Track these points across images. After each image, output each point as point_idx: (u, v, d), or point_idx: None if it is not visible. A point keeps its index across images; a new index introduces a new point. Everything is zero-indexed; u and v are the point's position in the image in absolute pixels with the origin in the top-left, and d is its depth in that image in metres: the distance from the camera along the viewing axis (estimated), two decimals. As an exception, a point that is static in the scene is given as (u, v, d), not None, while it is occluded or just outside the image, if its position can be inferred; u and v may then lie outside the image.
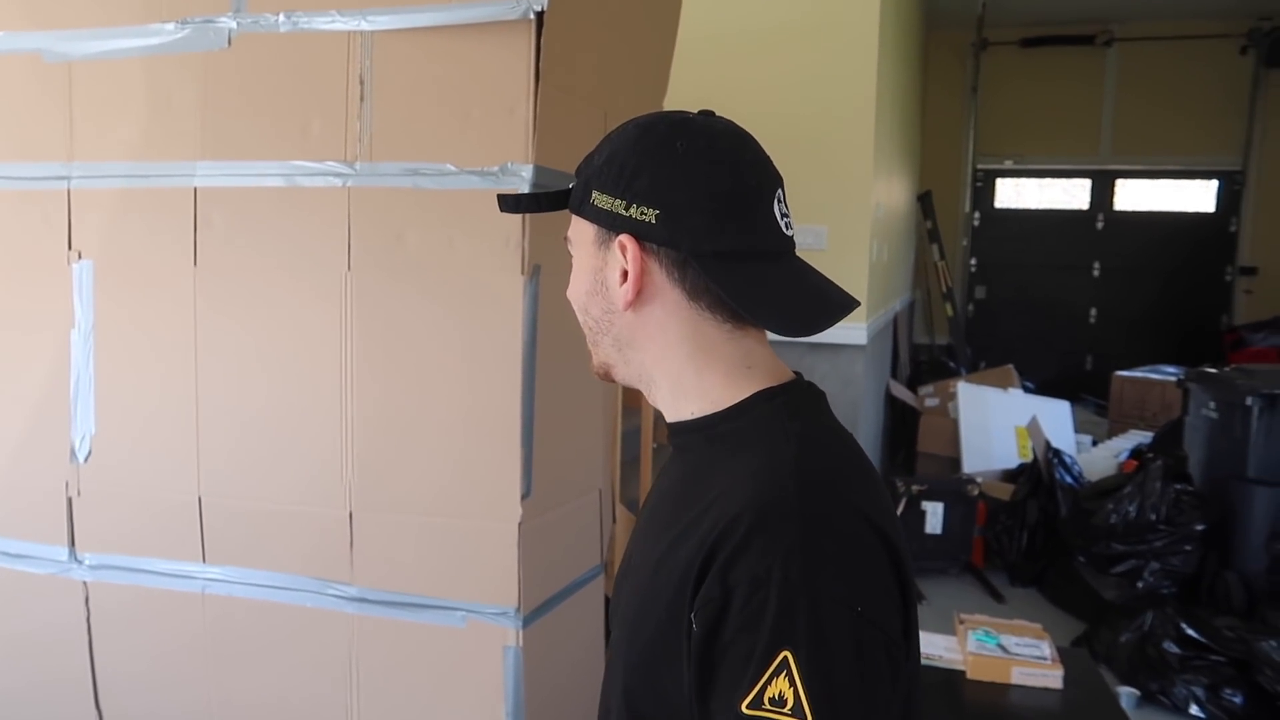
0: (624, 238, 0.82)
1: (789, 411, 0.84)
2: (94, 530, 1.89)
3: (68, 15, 1.86)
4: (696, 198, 0.81)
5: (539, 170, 1.63)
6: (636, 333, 0.86)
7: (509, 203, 0.93)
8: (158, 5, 1.79)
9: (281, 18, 1.72)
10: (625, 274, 0.83)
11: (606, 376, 0.92)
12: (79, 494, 1.89)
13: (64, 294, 1.88)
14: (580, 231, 0.87)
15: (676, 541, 0.80)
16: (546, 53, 1.60)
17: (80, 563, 1.90)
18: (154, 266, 1.83)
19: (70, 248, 1.88)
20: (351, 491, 1.72)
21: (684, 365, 0.85)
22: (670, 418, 0.90)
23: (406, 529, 1.71)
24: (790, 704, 0.67)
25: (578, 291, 0.89)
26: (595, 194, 0.83)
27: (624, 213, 0.82)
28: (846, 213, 3.64)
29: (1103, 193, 7.98)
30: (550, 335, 1.68)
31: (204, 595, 1.82)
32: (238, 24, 1.74)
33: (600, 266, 0.85)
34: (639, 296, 0.83)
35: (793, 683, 0.68)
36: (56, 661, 1.94)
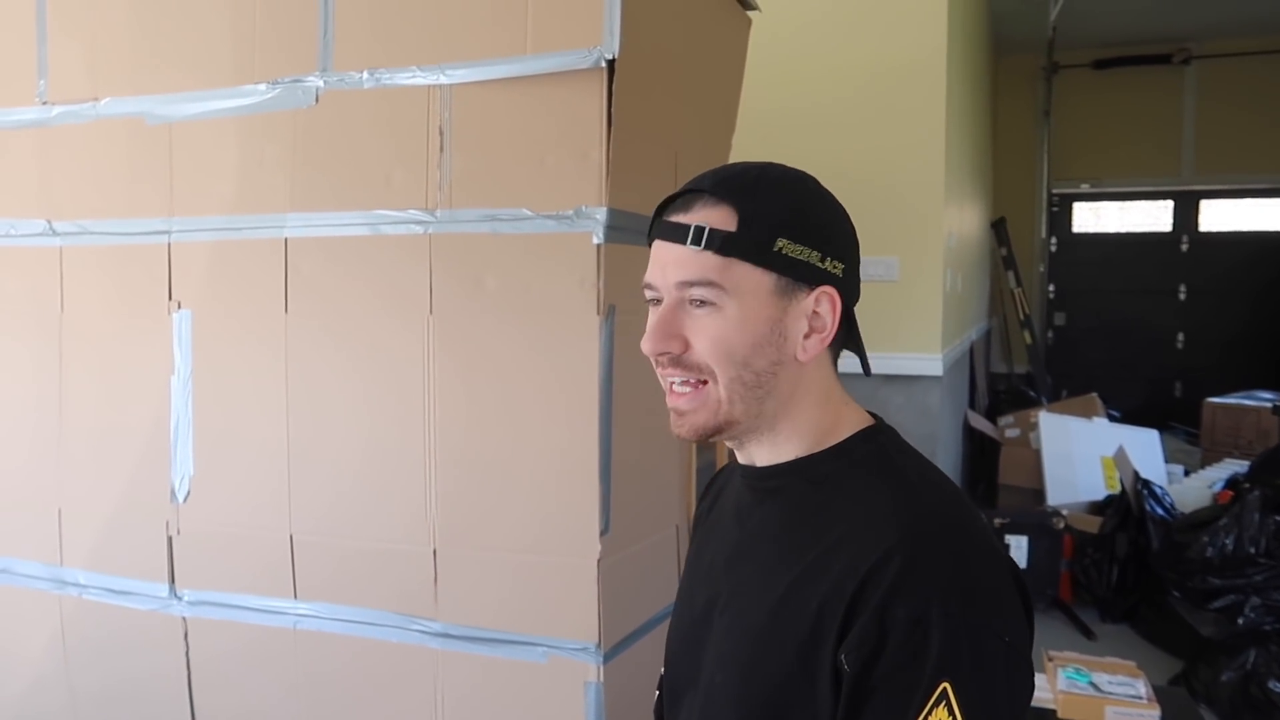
0: (828, 289, 0.83)
1: (895, 450, 0.86)
2: (192, 568, 1.97)
3: (167, 80, 1.97)
4: (857, 253, 0.88)
5: (613, 213, 1.67)
6: (795, 384, 0.85)
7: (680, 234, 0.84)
8: (250, 68, 1.89)
9: (365, 75, 1.80)
10: (812, 325, 0.84)
11: (713, 436, 0.86)
12: (179, 533, 1.97)
13: (165, 342, 1.98)
14: (747, 279, 0.82)
15: (799, 585, 0.80)
16: (618, 99, 1.64)
17: (180, 599, 1.98)
18: (248, 314, 1.92)
19: (170, 298, 1.98)
20: (435, 529, 1.76)
21: (809, 412, 0.86)
22: (763, 461, 0.89)
23: (489, 566, 1.74)
24: None
25: (740, 343, 0.82)
26: (784, 243, 0.81)
27: (820, 265, 0.83)
28: (918, 243, 3.62)
29: (1186, 214, 7.76)
30: (626, 374, 1.71)
31: (295, 631, 1.88)
32: (324, 82, 1.83)
33: (779, 317, 0.82)
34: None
35: (951, 712, 0.71)
36: (157, 691, 2.02)
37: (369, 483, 1.82)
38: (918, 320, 3.64)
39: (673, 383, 0.86)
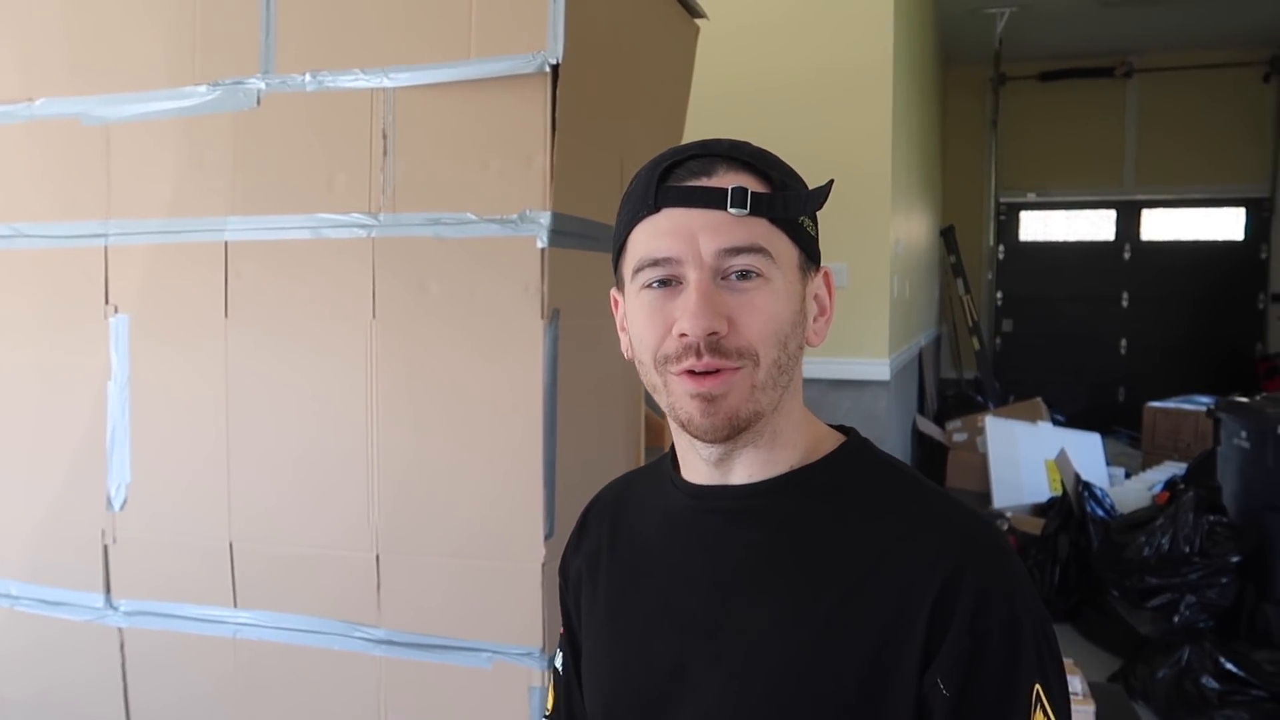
0: (828, 269, 0.79)
1: (886, 455, 0.82)
2: (129, 577, 1.93)
3: (106, 80, 1.94)
4: None
5: (557, 217, 1.67)
6: (797, 377, 0.78)
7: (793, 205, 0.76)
8: (190, 69, 1.87)
9: (308, 77, 1.78)
10: (819, 307, 0.79)
11: (742, 430, 0.74)
12: (115, 541, 1.93)
13: (101, 347, 1.94)
14: (783, 250, 0.74)
15: (844, 612, 0.72)
16: (562, 103, 1.65)
17: (116, 609, 1.94)
18: (187, 319, 1.89)
19: (107, 302, 1.94)
20: (378, 534, 1.75)
21: (797, 415, 0.79)
22: (743, 478, 0.79)
23: (432, 571, 1.73)
24: None
25: (783, 320, 0.74)
26: (804, 217, 0.76)
27: (818, 244, 0.78)
28: (866, 250, 3.67)
29: (1129, 223, 7.96)
30: (571, 378, 1.72)
31: (235, 640, 1.85)
32: (266, 85, 1.81)
33: (804, 296, 0.76)
34: None
35: (1045, 712, 0.70)
36: (92, 706, 1.97)
37: (310, 488, 1.80)
38: (865, 326, 3.68)
39: (692, 370, 0.72)
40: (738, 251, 0.71)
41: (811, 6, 3.68)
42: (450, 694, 1.73)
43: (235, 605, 1.84)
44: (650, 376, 0.77)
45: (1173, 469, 4.86)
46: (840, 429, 0.84)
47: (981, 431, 4.98)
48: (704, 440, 0.75)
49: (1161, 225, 7.88)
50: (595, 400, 1.91)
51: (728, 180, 0.73)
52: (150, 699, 1.95)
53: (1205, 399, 5.95)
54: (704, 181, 0.73)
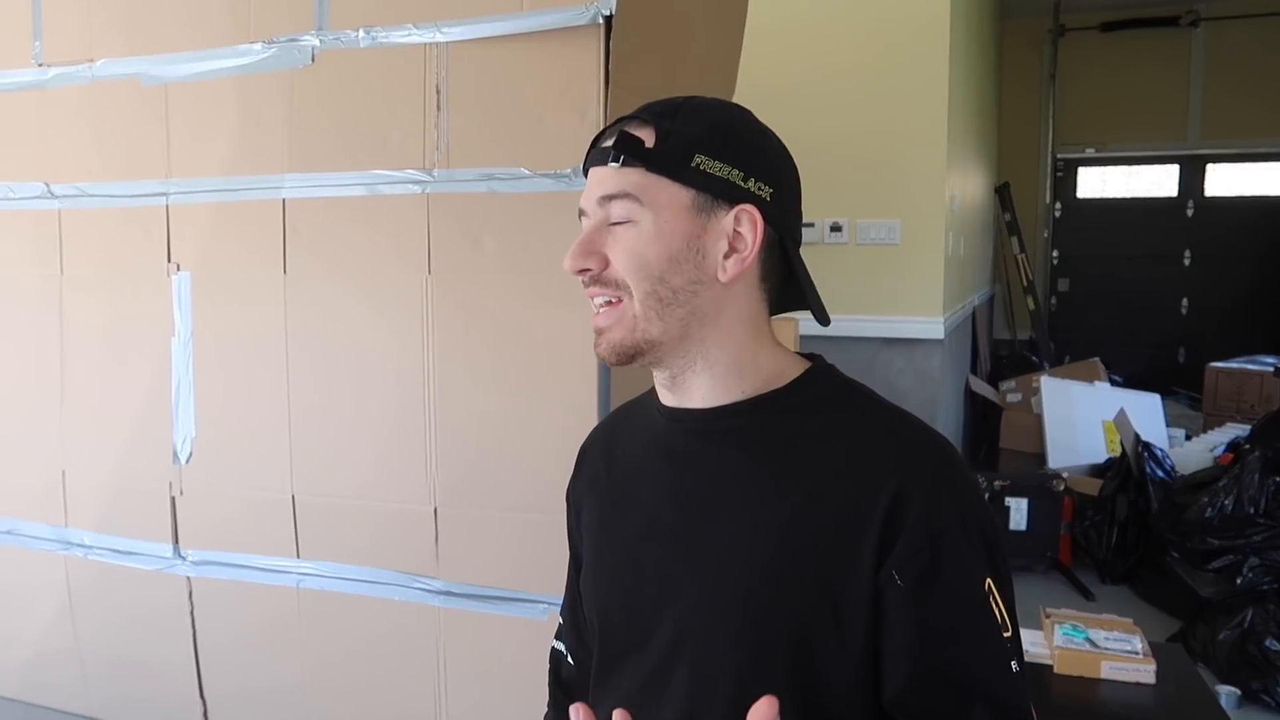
0: (749, 208, 0.82)
1: (849, 380, 0.89)
2: (196, 527, 1.99)
3: (163, 40, 1.96)
4: (792, 185, 0.87)
5: (610, 170, 1.66)
6: (718, 308, 0.83)
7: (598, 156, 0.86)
8: (246, 26, 1.88)
9: (361, 33, 1.78)
10: (733, 245, 0.82)
11: (633, 356, 0.84)
12: (181, 493, 1.99)
13: (164, 304, 1.98)
14: (663, 193, 0.81)
15: (804, 516, 0.79)
16: (615, 55, 1.63)
17: (184, 559, 2.00)
18: (246, 275, 1.92)
19: (169, 260, 1.98)
20: (436, 488, 1.77)
21: (744, 344, 0.85)
22: (704, 402, 0.86)
23: (490, 524, 1.75)
24: (1000, 621, 0.79)
25: (655, 256, 0.81)
26: (701, 159, 0.81)
27: (741, 184, 0.82)
28: (920, 206, 3.59)
29: (1192, 178, 7.69)
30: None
31: (298, 590, 1.89)
32: (320, 41, 1.82)
33: (698, 234, 0.82)
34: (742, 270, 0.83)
35: (997, 604, 0.79)
36: (163, 649, 2.05)
37: (369, 442, 1.83)
38: (919, 284, 3.62)
39: (596, 303, 0.85)
40: (610, 199, 0.83)
41: (866, -43, 3.59)
42: (507, 644, 1.76)
43: (298, 555, 1.89)
44: None
45: (1235, 430, 4.74)
46: (809, 357, 0.90)
47: (1036, 392, 4.89)
48: (604, 363, 0.89)
49: (1227, 181, 7.60)
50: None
51: (619, 133, 0.83)
52: (217, 644, 2.01)
53: (1270, 359, 5.78)
54: (605, 143, 0.85)
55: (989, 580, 0.78)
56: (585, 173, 0.88)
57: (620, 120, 0.86)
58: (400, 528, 1.81)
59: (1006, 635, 0.78)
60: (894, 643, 0.78)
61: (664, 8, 1.86)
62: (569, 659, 1.07)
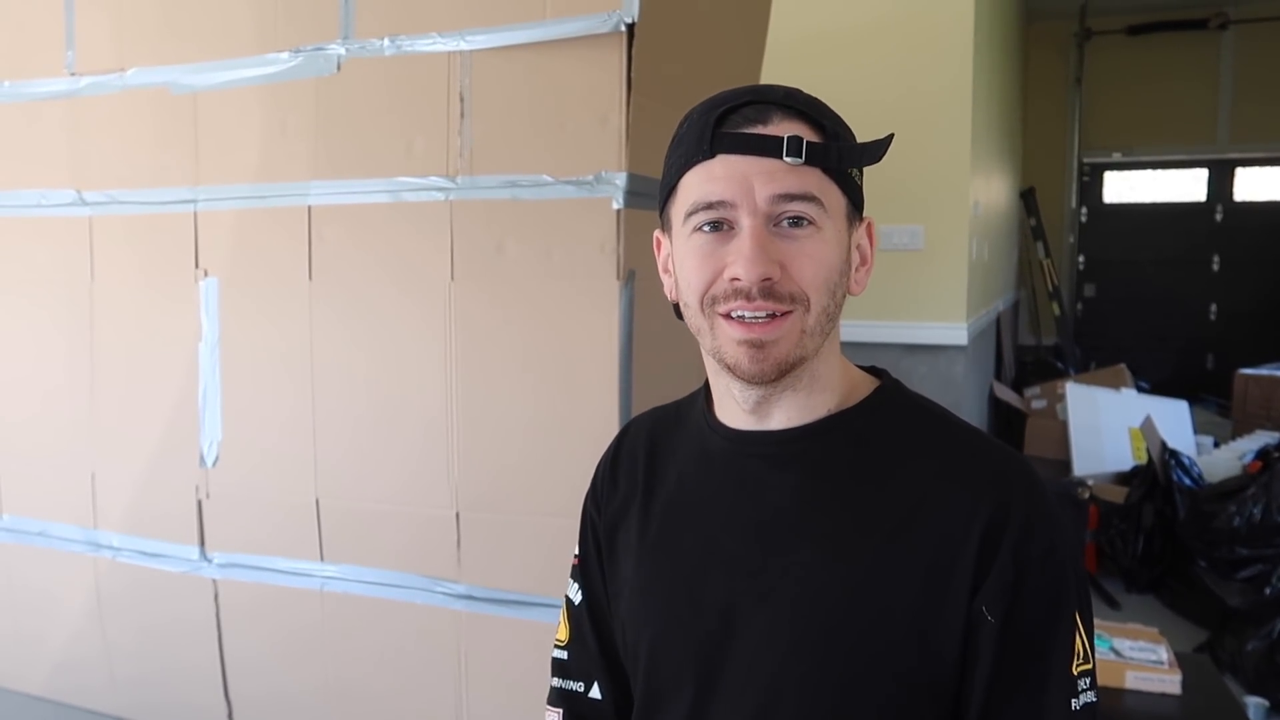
0: (870, 220, 0.80)
1: (920, 398, 0.84)
2: (222, 531, 2.01)
3: (192, 49, 1.99)
4: None
5: (633, 178, 1.67)
6: (837, 325, 0.79)
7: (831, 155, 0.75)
8: (273, 36, 1.91)
9: (386, 42, 1.80)
10: (862, 257, 0.80)
11: (784, 373, 0.76)
12: (208, 497, 2.01)
13: (192, 309, 2.01)
14: (833, 199, 0.75)
15: (893, 549, 0.74)
16: (637, 63, 1.64)
17: (210, 561, 2.02)
18: (273, 281, 1.94)
19: (197, 266, 2.01)
20: (458, 492, 1.79)
21: (834, 360, 0.81)
22: (790, 422, 0.80)
23: (510, 529, 1.76)
24: (1082, 654, 0.74)
25: (834, 268, 0.75)
26: (856, 167, 0.76)
27: (862, 196, 0.79)
28: (944, 211, 3.58)
29: (1221, 183, 7.60)
30: (646, 337, 1.72)
31: (322, 593, 1.91)
32: (346, 50, 1.84)
33: (849, 245, 0.78)
34: None
35: (1082, 638, 0.74)
36: (189, 651, 2.07)
37: (392, 446, 1.84)
38: (942, 289, 3.61)
39: (743, 316, 0.74)
40: (791, 198, 0.72)
41: (889, -39, 3.58)
42: (528, 648, 1.77)
43: (322, 559, 1.91)
44: (695, 319, 0.78)
45: (1265, 438, 4.67)
46: (873, 371, 0.85)
47: (1061, 399, 4.85)
48: (749, 382, 0.77)
49: (1256, 185, 7.50)
50: (670, 359, 1.91)
51: (783, 129, 0.73)
52: (243, 645, 2.03)
53: (1302, 366, 5.69)
54: (759, 129, 0.73)
55: (1076, 614, 0.74)
56: (692, 153, 0.75)
57: (757, 101, 0.75)
58: (422, 531, 1.82)
59: (1085, 668, 0.74)
60: (977, 675, 0.73)
61: (686, 13, 1.87)
62: (590, 694, 0.96)
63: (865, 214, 0.81)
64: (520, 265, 1.74)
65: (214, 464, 2.00)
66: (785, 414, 0.80)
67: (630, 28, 1.62)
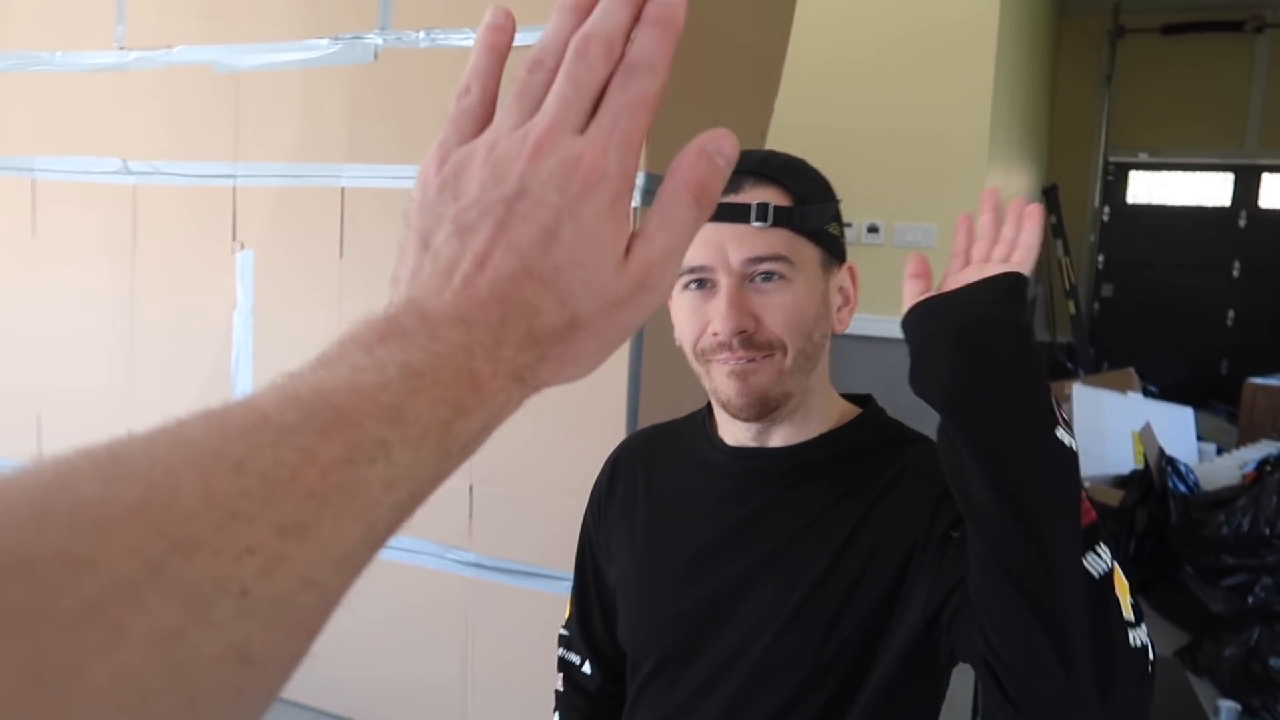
0: (852, 264, 0.90)
1: (891, 419, 0.95)
2: (248, 490, 2.13)
3: (237, 31, 2.08)
4: None
5: (651, 178, 1.75)
6: (825, 359, 0.90)
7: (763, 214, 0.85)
8: (314, 23, 1.99)
9: (422, 35, 1.89)
10: (844, 298, 0.90)
11: (771, 409, 0.86)
12: (236, 458, 2.12)
13: (228, 279, 2.11)
14: (805, 253, 0.85)
15: (861, 524, 0.84)
16: (660, 68, 1.71)
17: (235, 518, 2.14)
18: (305, 256, 2.04)
19: (234, 238, 2.11)
20: (471, 465, 1.89)
21: (825, 390, 0.92)
22: (781, 441, 0.91)
23: (519, 503, 1.87)
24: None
25: (807, 315, 0.85)
26: (829, 222, 0.87)
27: (842, 242, 0.89)
28: (957, 211, 3.60)
29: (1247, 188, 7.56)
30: (655, 328, 1.81)
31: (340, 553, 2.02)
32: (383, 40, 1.93)
33: (825, 290, 0.87)
34: None
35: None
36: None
37: (412, 421, 1.94)
38: (953, 288, 3.66)
39: (729, 362, 0.85)
40: (761, 260, 0.83)
41: (918, -40, 3.61)
42: (533, 618, 1.88)
43: (341, 522, 2.02)
44: (693, 364, 0.90)
45: (1269, 448, 4.72)
46: (861, 398, 0.97)
47: (1069, 399, 4.91)
48: (741, 419, 0.88)
49: (1283, 192, 7.48)
50: (679, 347, 2.00)
51: (753, 196, 0.83)
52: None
53: (1312, 377, 5.71)
54: (731, 198, 0.83)
55: None
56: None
57: (735, 175, 0.83)
58: (436, 501, 1.90)
59: None
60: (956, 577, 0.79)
61: (707, 15, 1.94)
62: (583, 668, 1.09)
63: (850, 256, 0.91)
64: (540, 255, 1.83)
65: (243, 427, 2.11)
66: (783, 436, 0.91)
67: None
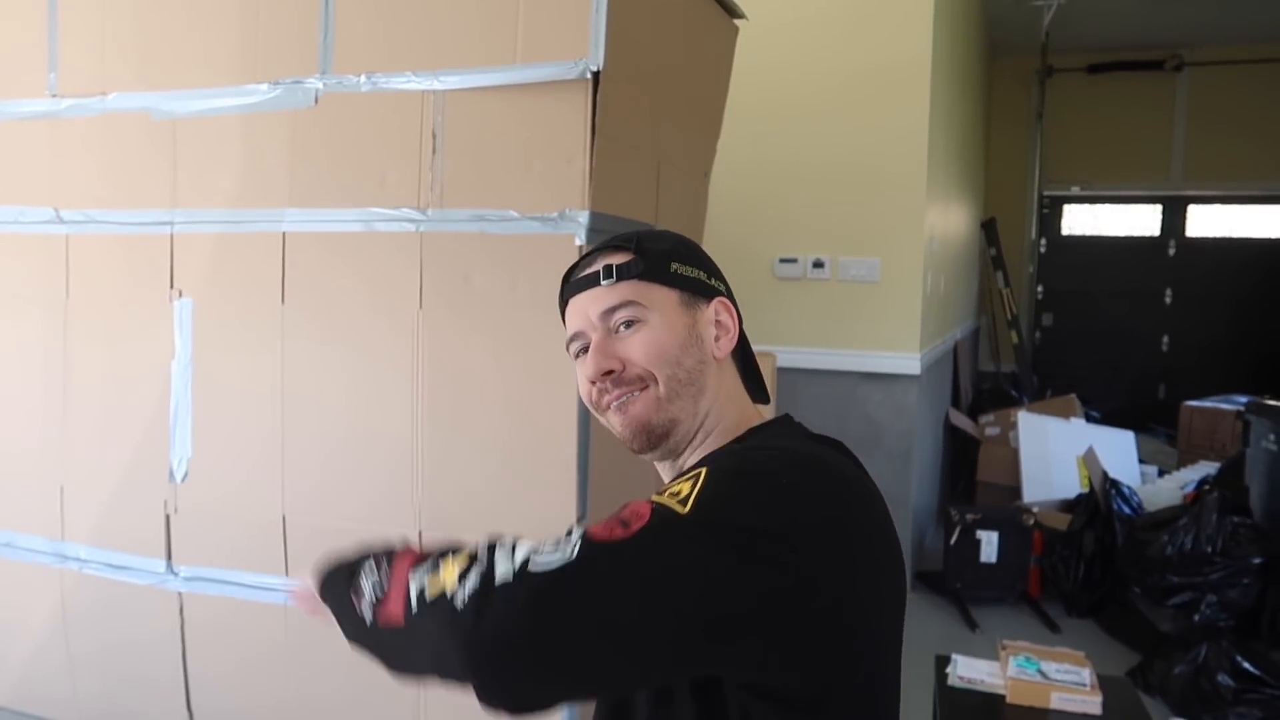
0: (722, 299, 0.99)
1: (777, 428, 0.98)
2: (189, 545, 2.07)
3: (173, 77, 2.06)
4: (728, 287, 1.03)
5: (595, 216, 1.76)
6: (717, 383, 0.96)
7: (609, 273, 0.94)
8: (253, 68, 1.98)
9: (363, 79, 1.89)
10: (721, 329, 0.97)
11: (660, 437, 0.93)
12: (176, 511, 2.07)
13: (166, 328, 2.07)
14: (656, 294, 0.94)
15: None
16: (602, 109, 1.73)
17: (176, 575, 2.08)
18: (246, 304, 2.01)
19: (172, 286, 2.07)
20: (421, 512, 1.86)
21: (732, 409, 0.97)
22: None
23: (470, 548, 1.84)
24: (682, 495, 0.77)
25: (670, 344, 0.93)
26: (677, 265, 0.96)
27: (708, 282, 0.99)
28: (900, 246, 3.70)
29: (1174, 219, 7.85)
30: (604, 369, 1.81)
31: (286, 608, 1.97)
32: (324, 85, 1.92)
33: (691, 324, 0.95)
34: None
35: (693, 484, 0.77)
36: (152, 665, 2.12)
37: (358, 467, 1.91)
38: (897, 321, 3.72)
39: (611, 403, 0.94)
40: (614, 310, 0.93)
41: (850, 3, 3.71)
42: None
43: (287, 574, 1.97)
44: (599, 419, 0.99)
45: (1207, 469, 4.84)
46: (783, 419, 1.00)
47: (1014, 426, 4.99)
48: (636, 451, 0.96)
49: (1208, 222, 7.75)
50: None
51: (600, 262, 0.96)
52: (206, 659, 2.08)
53: (1245, 399, 5.89)
54: (585, 271, 0.97)
55: (704, 469, 0.79)
56: (563, 306, 0.99)
57: (590, 255, 0.98)
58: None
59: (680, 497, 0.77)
60: None
61: (651, 63, 1.97)
62: None
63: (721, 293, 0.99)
64: (487, 295, 1.82)
65: (183, 480, 2.06)
66: (698, 458, 0.95)
67: (596, 75, 1.72)
